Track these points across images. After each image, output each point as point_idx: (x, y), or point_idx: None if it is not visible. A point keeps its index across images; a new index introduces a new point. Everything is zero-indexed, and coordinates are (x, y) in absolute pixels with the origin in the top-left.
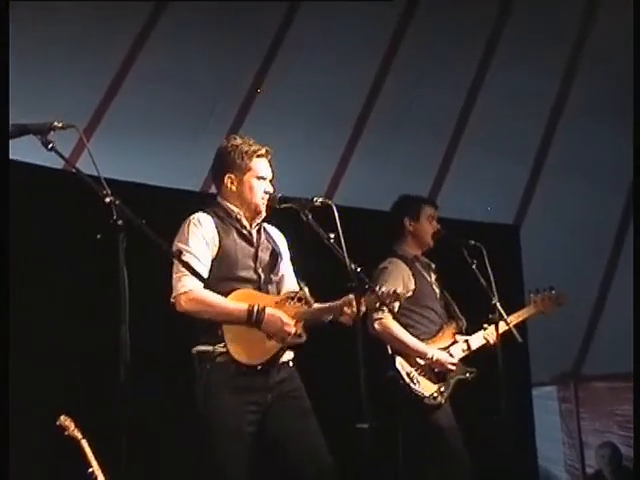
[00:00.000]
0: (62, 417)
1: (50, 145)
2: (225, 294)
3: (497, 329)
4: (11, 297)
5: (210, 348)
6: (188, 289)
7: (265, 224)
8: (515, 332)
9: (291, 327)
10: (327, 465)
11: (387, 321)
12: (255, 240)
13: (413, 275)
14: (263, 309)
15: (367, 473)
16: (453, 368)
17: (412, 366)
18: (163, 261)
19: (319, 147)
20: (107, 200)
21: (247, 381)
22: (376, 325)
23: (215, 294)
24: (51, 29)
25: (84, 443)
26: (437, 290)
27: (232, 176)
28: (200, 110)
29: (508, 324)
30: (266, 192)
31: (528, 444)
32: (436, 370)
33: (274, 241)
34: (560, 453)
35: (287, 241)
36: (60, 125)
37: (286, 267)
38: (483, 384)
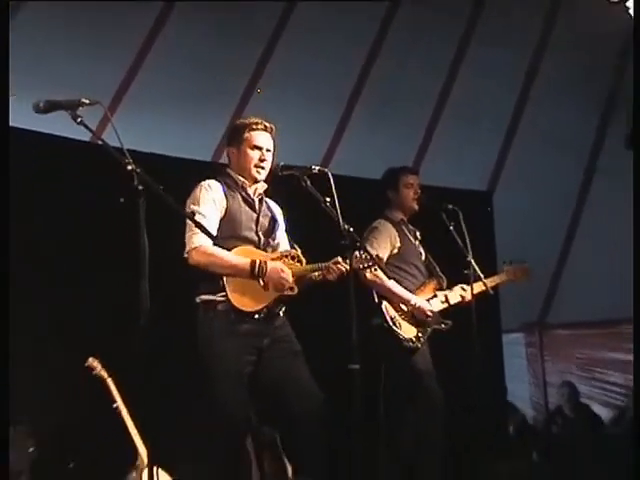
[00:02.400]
0: (90, 359)
1: (79, 119)
2: (229, 250)
3: (472, 285)
4: (52, 251)
5: (212, 297)
6: (199, 244)
7: (267, 198)
8: (488, 287)
9: (289, 277)
10: (314, 398)
11: (378, 271)
12: (257, 207)
13: (399, 235)
14: (265, 262)
15: (357, 409)
16: (431, 315)
17: (396, 311)
18: (177, 221)
19: (317, 122)
20: (129, 168)
21: (246, 327)
22: (368, 274)
23: (222, 249)
24: (78, 15)
25: (109, 381)
26: (421, 251)
27: (234, 149)
28: (211, 88)
29: (483, 281)
30: (261, 160)
31: (498, 384)
32: (416, 316)
33: (273, 212)
34: (526, 391)
35: (285, 210)
36: (87, 101)
37: (282, 234)
38: (459, 332)
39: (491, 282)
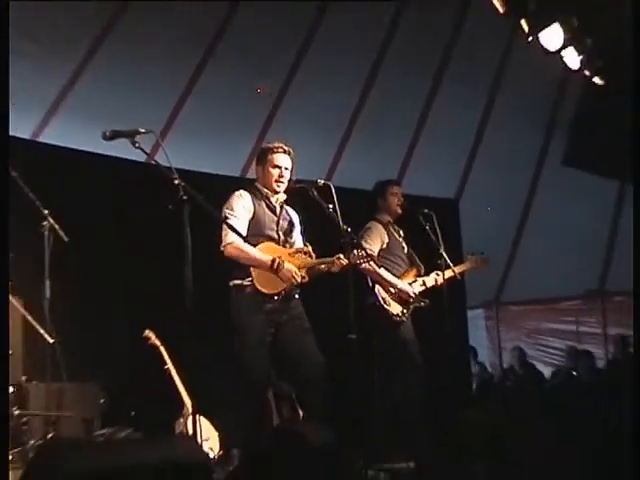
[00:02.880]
0: (147, 331)
1: (137, 144)
2: (255, 245)
3: (443, 272)
4: (122, 245)
5: (242, 282)
6: (231, 241)
7: (286, 206)
8: (456, 273)
9: (298, 277)
10: (319, 365)
11: (372, 263)
12: (278, 212)
13: (387, 233)
14: (282, 262)
15: (354, 370)
16: (413, 296)
17: (386, 293)
18: (213, 223)
19: (322, 143)
20: (176, 182)
21: (267, 306)
22: (364, 265)
23: (249, 246)
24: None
25: (161, 348)
26: (404, 245)
27: (260, 167)
28: (239, 118)
29: (452, 268)
30: (280, 176)
31: (464, 350)
32: (401, 297)
33: (291, 216)
34: (485, 355)
35: (299, 217)
36: (143, 130)
37: (297, 234)
38: (434, 309)
39: (458, 269)
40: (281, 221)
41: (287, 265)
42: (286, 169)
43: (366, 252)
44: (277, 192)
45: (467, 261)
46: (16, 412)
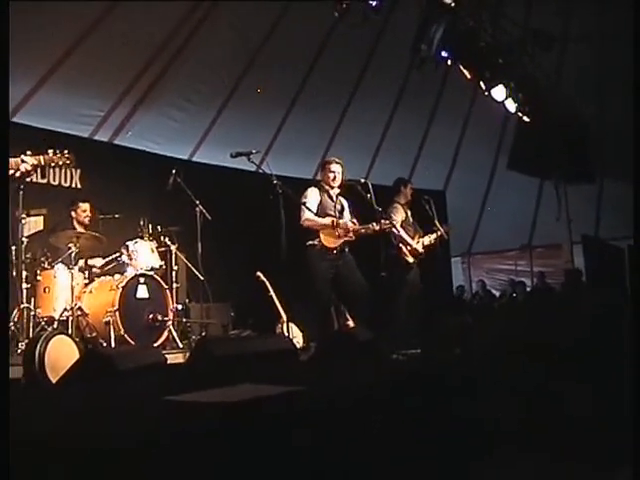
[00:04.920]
0: (258, 272)
1: (251, 160)
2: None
3: (437, 235)
4: (242, 222)
5: (313, 242)
6: (308, 216)
7: (340, 196)
8: (444, 236)
9: (351, 234)
10: (364, 288)
11: (397, 226)
12: (334, 199)
13: (404, 211)
14: (338, 221)
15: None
16: (421, 251)
17: (405, 248)
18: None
19: (362, 155)
20: (274, 182)
21: (330, 255)
22: (390, 229)
23: (318, 218)
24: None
25: (267, 283)
26: (411, 219)
27: (322, 172)
28: (312, 143)
29: (442, 233)
30: (334, 178)
31: (448, 282)
32: (413, 252)
33: (342, 204)
34: (461, 286)
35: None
36: (254, 151)
37: (347, 214)
38: (431, 258)
39: (436, 235)
40: (337, 205)
41: (341, 223)
42: (337, 173)
43: (390, 222)
44: (333, 188)
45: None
46: (184, 320)
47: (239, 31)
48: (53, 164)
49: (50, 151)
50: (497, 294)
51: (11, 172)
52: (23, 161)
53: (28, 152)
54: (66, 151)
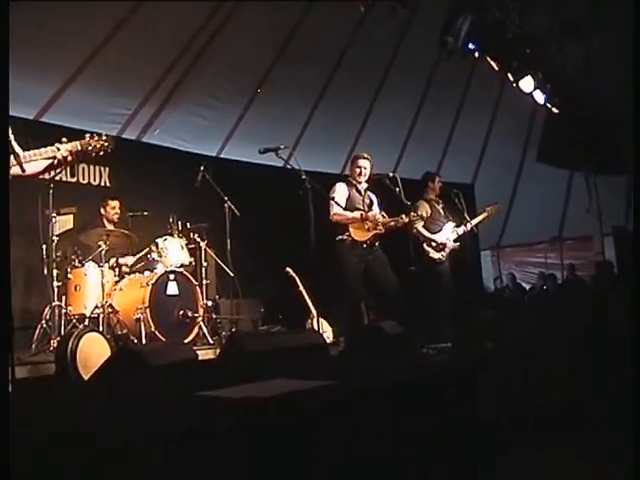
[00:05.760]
0: (287, 268)
1: (279, 155)
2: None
3: (466, 228)
4: (270, 219)
5: (343, 236)
6: (336, 211)
7: (368, 191)
8: (474, 229)
9: (380, 227)
10: (394, 285)
11: (419, 225)
12: (363, 194)
13: (430, 207)
14: (367, 214)
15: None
16: (447, 246)
17: (429, 245)
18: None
19: (389, 152)
20: (302, 177)
21: (360, 249)
22: (415, 225)
23: (347, 212)
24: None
25: (297, 278)
26: (442, 212)
27: (351, 167)
28: (341, 140)
29: (472, 225)
30: (362, 173)
31: (478, 277)
32: (439, 247)
33: (371, 197)
34: (491, 278)
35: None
36: (282, 146)
37: (375, 207)
38: (461, 251)
39: (477, 220)
40: (365, 199)
41: (370, 215)
42: (365, 168)
43: (417, 214)
44: (360, 182)
45: (484, 212)
46: (214, 316)
47: (264, 29)
48: (90, 148)
49: (87, 135)
50: (527, 287)
51: (49, 161)
52: (58, 149)
53: (63, 139)
54: (104, 132)
